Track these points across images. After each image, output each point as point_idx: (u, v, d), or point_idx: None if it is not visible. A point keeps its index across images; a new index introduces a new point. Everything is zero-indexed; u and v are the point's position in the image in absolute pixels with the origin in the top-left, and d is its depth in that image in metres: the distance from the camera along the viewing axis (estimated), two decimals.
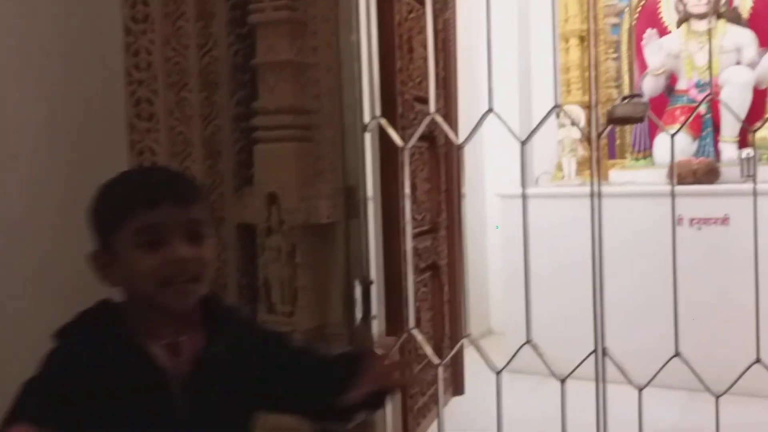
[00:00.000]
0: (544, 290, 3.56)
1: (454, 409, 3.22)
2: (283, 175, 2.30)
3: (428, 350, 2.40)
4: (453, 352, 2.60)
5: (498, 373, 2.26)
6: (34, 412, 1.13)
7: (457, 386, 3.35)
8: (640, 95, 2.04)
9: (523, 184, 2.27)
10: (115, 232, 1.18)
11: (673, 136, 2.19)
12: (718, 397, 2.15)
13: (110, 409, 1.15)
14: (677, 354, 2.28)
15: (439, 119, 2.23)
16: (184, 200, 1.21)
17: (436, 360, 2.37)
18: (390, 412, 2.51)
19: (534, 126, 2.29)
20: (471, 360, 3.52)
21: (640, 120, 1.98)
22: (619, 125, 3.13)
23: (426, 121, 2.28)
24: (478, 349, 2.25)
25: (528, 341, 2.19)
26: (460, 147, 2.27)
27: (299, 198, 2.29)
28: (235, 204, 2.40)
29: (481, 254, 5.19)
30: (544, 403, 2.63)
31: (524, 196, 2.21)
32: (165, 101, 2.32)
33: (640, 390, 2.21)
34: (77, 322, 1.22)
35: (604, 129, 2.24)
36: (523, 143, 2.12)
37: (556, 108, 2.08)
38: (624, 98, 1.92)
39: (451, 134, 2.27)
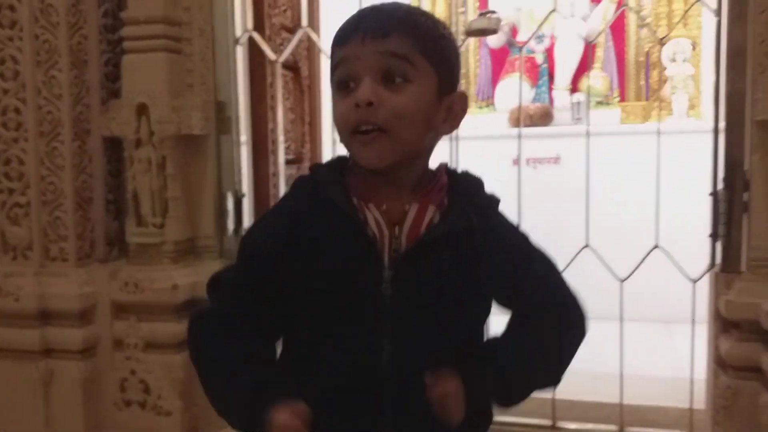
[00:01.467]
0: None
1: None
2: (153, 85, 2.31)
3: None
4: None
5: None
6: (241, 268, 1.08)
7: None
8: (494, 12, 2.22)
9: None
10: (331, 71, 1.04)
11: (522, 51, 2.41)
12: None
13: (309, 267, 1.02)
14: None
15: (311, 32, 2.32)
16: (378, 31, 0.98)
17: None
18: None
19: None
20: None
21: (494, 32, 2.18)
22: (476, 37, 3.35)
23: (299, 34, 2.36)
24: None
25: None
26: None
27: (170, 109, 2.31)
28: (101, 116, 2.37)
29: None
30: None
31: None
32: (29, 8, 2.25)
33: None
34: (309, 173, 1.09)
35: (464, 41, 2.41)
36: None
37: None
38: (481, 14, 2.10)
39: (321, 45, 2.36)
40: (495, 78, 4.90)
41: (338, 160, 1.09)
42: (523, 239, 1.10)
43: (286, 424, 0.93)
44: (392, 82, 0.98)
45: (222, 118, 2.42)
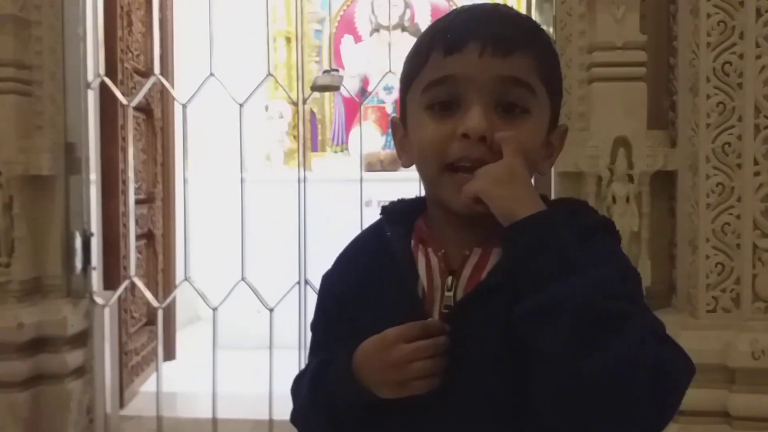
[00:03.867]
0: (255, 260, 3.86)
1: (165, 372, 3.37)
2: (1, 127, 2.33)
3: (149, 295, 2.57)
4: (172, 296, 2.79)
5: (214, 309, 2.52)
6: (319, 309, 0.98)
7: (169, 351, 3.51)
8: (337, 70, 2.44)
9: (241, 149, 2.56)
10: (410, 86, 0.87)
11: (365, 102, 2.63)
12: None
13: (361, 315, 0.89)
14: None
15: (163, 80, 2.43)
16: (502, 45, 0.80)
17: (156, 303, 2.56)
18: (108, 368, 2.62)
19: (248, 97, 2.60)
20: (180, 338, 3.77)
21: (337, 88, 2.39)
22: (321, 92, 3.56)
23: (150, 81, 2.47)
24: (194, 287, 2.49)
25: (242, 278, 2.49)
26: (185, 106, 2.48)
27: (18, 150, 2.34)
28: None
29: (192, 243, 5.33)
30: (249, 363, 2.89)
31: (241, 157, 2.50)
32: None
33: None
34: (385, 209, 0.96)
35: (309, 95, 2.60)
36: (242, 105, 2.41)
37: (270, 75, 2.41)
38: (325, 71, 2.31)
39: (174, 92, 2.49)
40: (348, 125, 5.14)
41: (420, 198, 0.95)
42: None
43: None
44: (509, 112, 0.82)
45: (72, 158, 2.47)
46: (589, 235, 0.83)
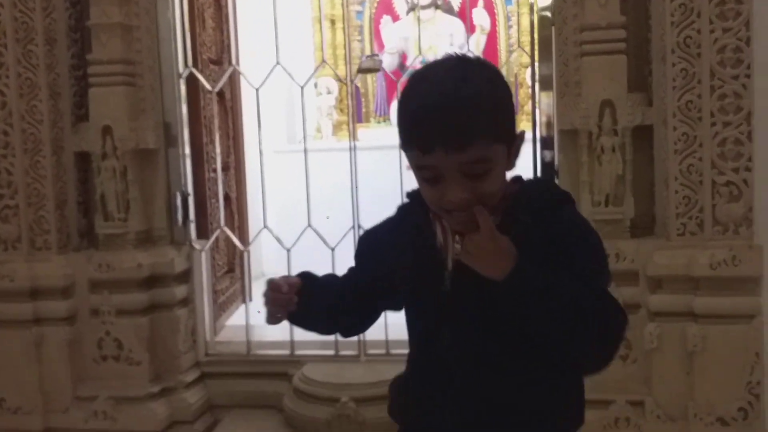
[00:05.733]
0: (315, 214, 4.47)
1: (242, 313, 3.99)
2: (115, 111, 2.96)
3: (235, 239, 3.20)
4: (254, 238, 3.43)
5: (288, 250, 3.13)
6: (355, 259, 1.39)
7: (245, 296, 4.15)
8: (377, 54, 2.99)
9: (304, 125, 3.14)
10: (405, 150, 1.16)
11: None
12: None
13: (395, 267, 1.26)
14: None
15: (238, 69, 3.03)
16: (457, 146, 1.08)
17: (241, 247, 3.19)
18: (206, 302, 3.26)
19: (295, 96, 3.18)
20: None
21: (378, 70, 2.96)
22: (364, 74, 4.12)
23: (229, 70, 3.07)
24: (272, 233, 3.11)
25: (309, 225, 3.09)
26: (257, 89, 3.08)
27: (129, 129, 2.97)
28: (73, 136, 3.01)
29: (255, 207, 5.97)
30: None
31: (304, 130, 3.09)
32: (14, 53, 2.87)
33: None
34: (409, 194, 1.30)
35: (356, 76, 3.17)
36: (303, 87, 2.99)
37: (324, 63, 2.99)
38: (367, 56, 2.87)
39: (248, 80, 3.09)
40: (390, 97, 5.71)
41: None
42: (575, 237, 1.17)
43: (277, 283, 1.24)
44: (474, 177, 1.11)
45: (169, 135, 3.10)
46: (557, 205, 1.21)
